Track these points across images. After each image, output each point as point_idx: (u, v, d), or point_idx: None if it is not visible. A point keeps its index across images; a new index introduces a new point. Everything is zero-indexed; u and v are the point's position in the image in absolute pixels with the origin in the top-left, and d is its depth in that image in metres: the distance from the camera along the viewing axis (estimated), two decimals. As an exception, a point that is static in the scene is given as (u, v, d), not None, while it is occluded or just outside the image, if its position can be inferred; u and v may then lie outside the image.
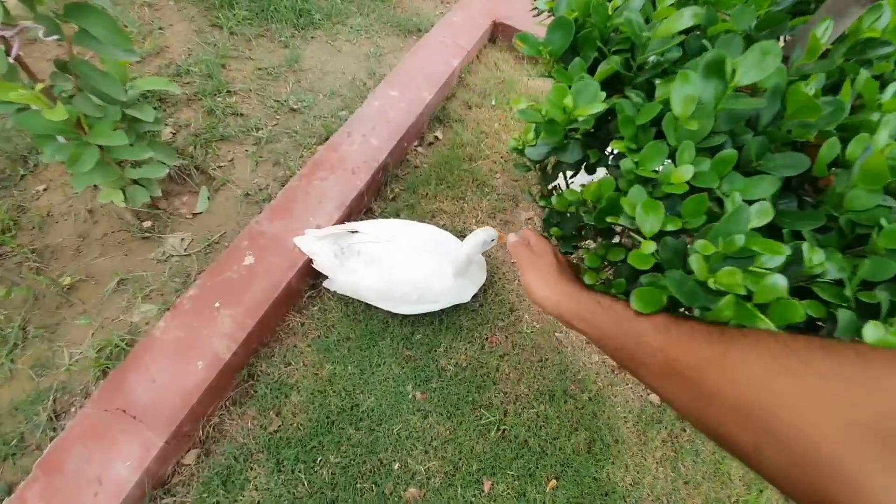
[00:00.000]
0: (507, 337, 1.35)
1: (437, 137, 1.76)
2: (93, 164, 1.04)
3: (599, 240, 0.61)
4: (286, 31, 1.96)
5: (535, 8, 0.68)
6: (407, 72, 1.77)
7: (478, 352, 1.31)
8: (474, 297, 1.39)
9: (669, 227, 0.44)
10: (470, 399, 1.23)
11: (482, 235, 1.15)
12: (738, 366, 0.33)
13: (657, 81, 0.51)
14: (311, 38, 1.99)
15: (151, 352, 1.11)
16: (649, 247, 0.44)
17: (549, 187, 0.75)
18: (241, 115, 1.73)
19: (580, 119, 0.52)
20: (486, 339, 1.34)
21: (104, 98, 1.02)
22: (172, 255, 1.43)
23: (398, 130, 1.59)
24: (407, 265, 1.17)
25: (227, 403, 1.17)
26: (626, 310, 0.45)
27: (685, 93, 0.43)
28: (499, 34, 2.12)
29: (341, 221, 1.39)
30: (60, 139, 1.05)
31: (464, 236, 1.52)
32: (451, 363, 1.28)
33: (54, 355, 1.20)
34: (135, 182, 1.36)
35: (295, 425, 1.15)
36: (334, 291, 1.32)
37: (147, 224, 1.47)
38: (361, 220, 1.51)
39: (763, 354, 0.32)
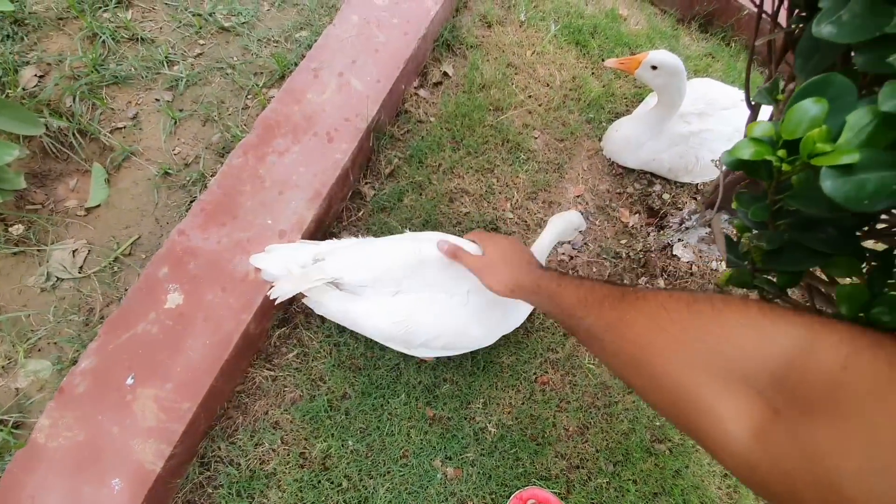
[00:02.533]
0: (562, 376, 0.98)
1: (445, 74, 1.21)
2: None
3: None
4: None
5: None
6: (396, -34, 1.16)
7: (526, 401, 0.95)
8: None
9: None
10: (520, 471, 0.90)
11: (570, 219, 0.81)
12: (629, 327, 0.40)
13: None
14: None
15: (36, 471, 0.69)
16: None
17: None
18: (144, 40, 1.12)
19: None
20: (536, 380, 0.97)
21: None
22: (62, 279, 0.94)
23: (393, 64, 1.04)
24: (432, 309, 0.75)
25: (174, 512, 0.80)
26: (557, 289, 0.53)
27: None
28: None
29: (318, 221, 0.92)
30: None
31: (495, 228, 1.08)
32: (492, 421, 0.92)
33: None
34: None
35: (279, 535, 0.80)
36: (319, 317, 0.91)
37: (18, 230, 0.96)
38: (341, 229, 1.02)
39: (645, 316, 0.39)
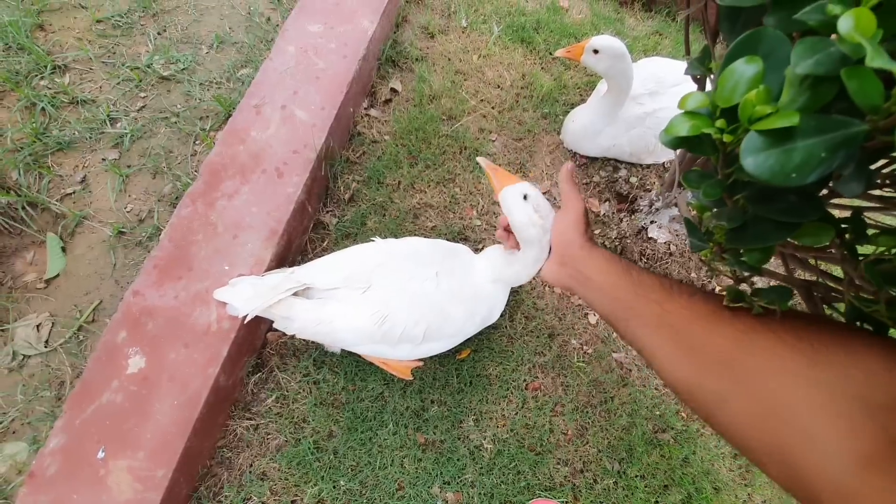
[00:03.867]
0: (553, 379, 0.96)
1: (394, 90, 1.20)
2: None
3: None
4: (123, -52, 1.24)
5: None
6: (329, -9, 1.15)
7: (519, 410, 0.92)
8: (496, 328, 0.97)
9: None
10: (523, 485, 0.87)
11: (521, 191, 0.66)
12: (725, 323, 0.36)
13: None
14: (168, -47, 1.28)
15: (4, 565, 0.66)
16: None
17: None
18: (85, 102, 1.11)
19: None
20: (527, 387, 0.94)
21: None
22: (29, 356, 0.91)
23: (336, 89, 1.03)
24: (405, 295, 0.75)
25: (167, 584, 0.76)
26: (627, 266, 0.49)
27: None
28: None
29: (279, 259, 0.89)
30: None
31: (465, 238, 1.06)
32: (487, 437, 0.89)
33: None
34: None
35: (280, 591, 0.77)
36: (295, 356, 0.88)
37: (-26, 311, 0.93)
38: (308, 256, 1.00)
39: (749, 316, 0.35)
